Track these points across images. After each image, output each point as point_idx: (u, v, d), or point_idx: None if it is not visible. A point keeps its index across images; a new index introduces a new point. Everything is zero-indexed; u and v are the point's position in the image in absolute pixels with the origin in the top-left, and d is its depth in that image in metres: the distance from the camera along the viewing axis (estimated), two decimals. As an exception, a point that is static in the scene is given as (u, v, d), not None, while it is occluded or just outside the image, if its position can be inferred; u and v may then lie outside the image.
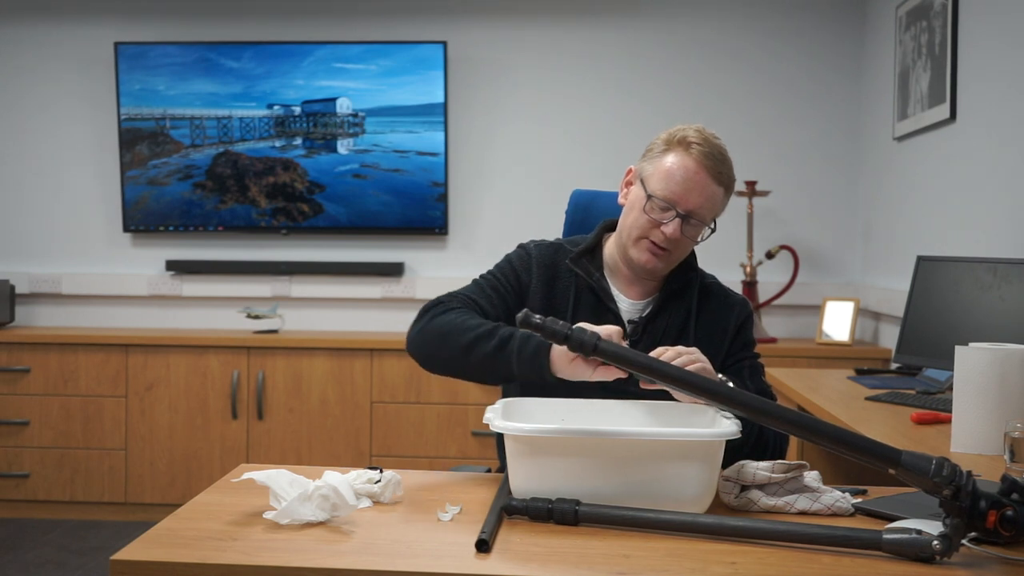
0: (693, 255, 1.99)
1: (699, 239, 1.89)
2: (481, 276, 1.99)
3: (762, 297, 4.41)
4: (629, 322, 1.92)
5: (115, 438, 4.25)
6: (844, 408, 2.64)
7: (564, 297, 1.93)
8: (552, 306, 1.92)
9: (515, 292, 1.94)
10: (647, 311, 1.93)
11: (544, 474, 1.48)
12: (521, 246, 2.01)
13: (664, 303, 1.93)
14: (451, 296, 1.91)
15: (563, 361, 1.68)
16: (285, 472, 1.50)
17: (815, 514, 1.53)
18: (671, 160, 1.85)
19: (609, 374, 1.65)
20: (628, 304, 1.94)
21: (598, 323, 1.83)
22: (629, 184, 1.93)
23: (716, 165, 1.84)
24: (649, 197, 1.85)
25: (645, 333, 1.91)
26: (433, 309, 1.87)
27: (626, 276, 1.95)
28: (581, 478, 1.48)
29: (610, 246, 1.98)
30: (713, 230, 1.90)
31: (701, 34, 4.52)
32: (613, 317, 1.91)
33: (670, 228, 1.84)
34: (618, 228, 1.95)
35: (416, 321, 1.88)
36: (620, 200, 1.95)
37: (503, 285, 1.94)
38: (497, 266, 1.99)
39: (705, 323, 1.93)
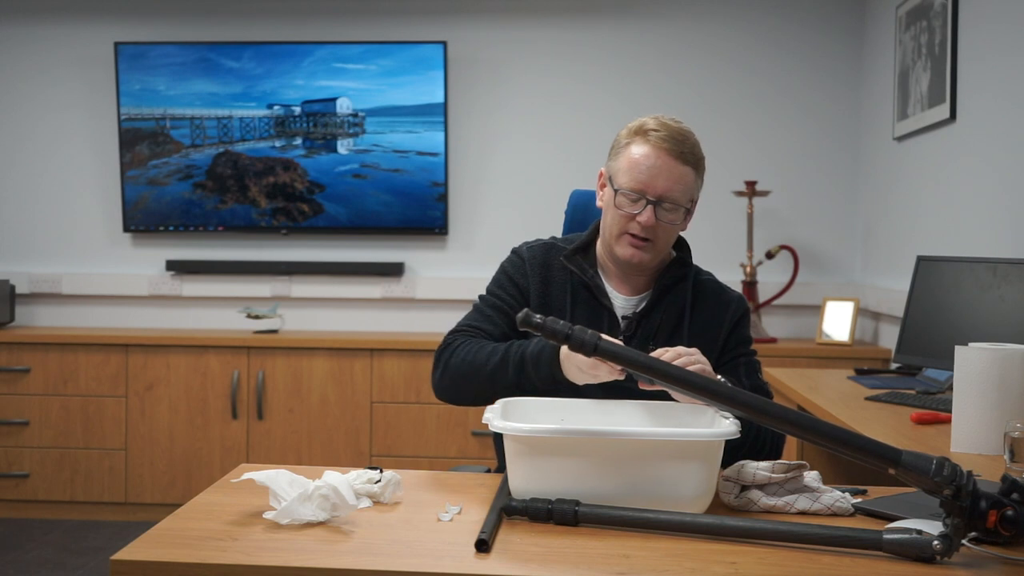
0: (687, 251, 2.00)
1: (679, 223, 1.89)
2: (480, 297, 2.02)
3: (762, 297, 4.41)
4: (623, 318, 1.93)
5: (115, 438, 4.25)
6: (844, 408, 2.64)
7: (561, 294, 1.95)
8: (549, 304, 1.94)
9: (516, 302, 1.96)
10: (641, 307, 1.94)
11: (544, 474, 1.48)
12: (514, 251, 2.04)
13: (658, 299, 1.94)
14: (456, 333, 1.96)
15: (574, 368, 1.72)
16: (285, 472, 1.50)
17: (815, 514, 1.53)
18: (632, 151, 1.87)
19: (616, 374, 1.67)
20: (622, 300, 1.95)
21: (593, 319, 1.85)
22: (603, 186, 1.95)
23: (677, 146, 1.85)
24: (617, 191, 1.87)
25: (639, 328, 1.92)
26: (444, 354, 1.92)
27: (617, 273, 1.96)
28: (581, 478, 1.48)
29: (600, 245, 1.99)
30: (689, 211, 1.90)
31: (701, 34, 4.52)
32: (607, 313, 1.92)
33: (644, 216, 1.85)
34: (600, 230, 1.97)
35: (434, 370, 1.94)
36: (598, 203, 1.97)
37: (503, 300, 1.97)
38: (494, 280, 2.02)
39: (699, 320, 1.94)
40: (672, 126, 1.87)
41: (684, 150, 1.86)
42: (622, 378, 1.67)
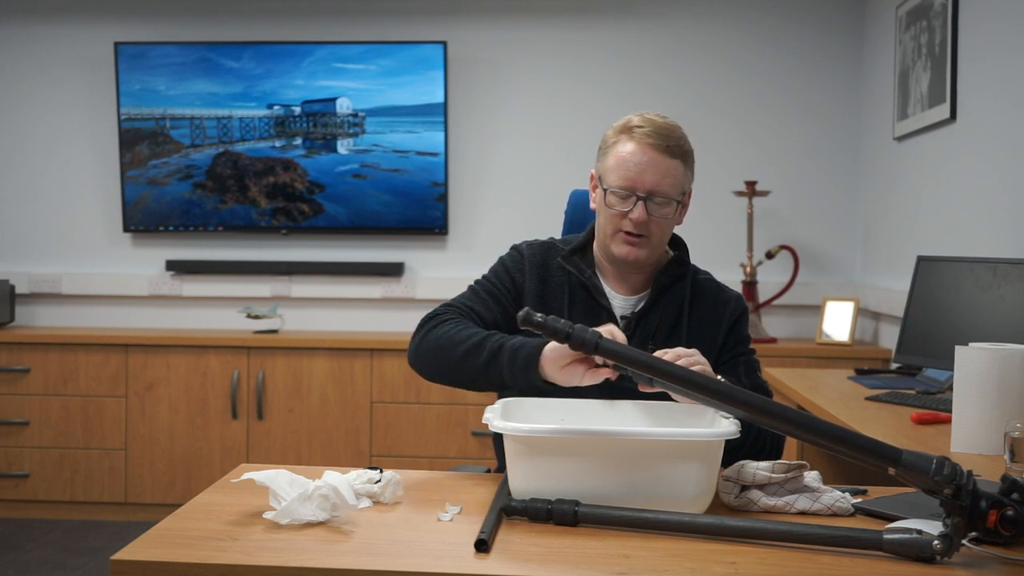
0: (685, 251, 2.00)
1: (671, 216, 1.89)
2: (476, 281, 2.01)
3: (762, 297, 4.41)
4: (622, 318, 1.93)
5: (115, 438, 4.25)
6: (844, 408, 2.64)
7: (559, 295, 1.94)
8: (547, 304, 1.93)
9: (511, 294, 1.95)
10: (639, 307, 1.94)
11: (543, 474, 1.48)
12: (514, 247, 2.03)
13: (656, 299, 1.94)
14: (446, 307, 1.93)
15: (554, 368, 1.69)
16: (285, 472, 1.50)
17: (815, 514, 1.53)
18: (619, 150, 1.88)
19: (598, 377, 1.65)
20: (620, 300, 1.95)
21: (592, 319, 1.84)
22: (595, 187, 1.95)
23: (662, 140, 1.85)
24: (606, 191, 1.88)
25: (638, 328, 1.92)
26: (429, 323, 1.90)
27: (615, 273, 1.96)
28: (580, 478, 1.48)
29: (596, 246, 1.99)
30: (681, 204, 1.89)
31: (701, 34, 4.52)
32: (606, 313, 1.92)
33: (635, 213, 1.85)
34: (596, 231, 1.97)
35: (414, 335, 1.91)
36: (591, 205, 1.97)
37: (498, 288, 1.96)
38: (491, 269, 2.01)
39: (698, 319, 1.94)
40: (657, 121, 1.87)
41: (670, 143, 1.86)
42: (612, 378, 1.67)
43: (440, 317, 1.89)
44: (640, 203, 1.85)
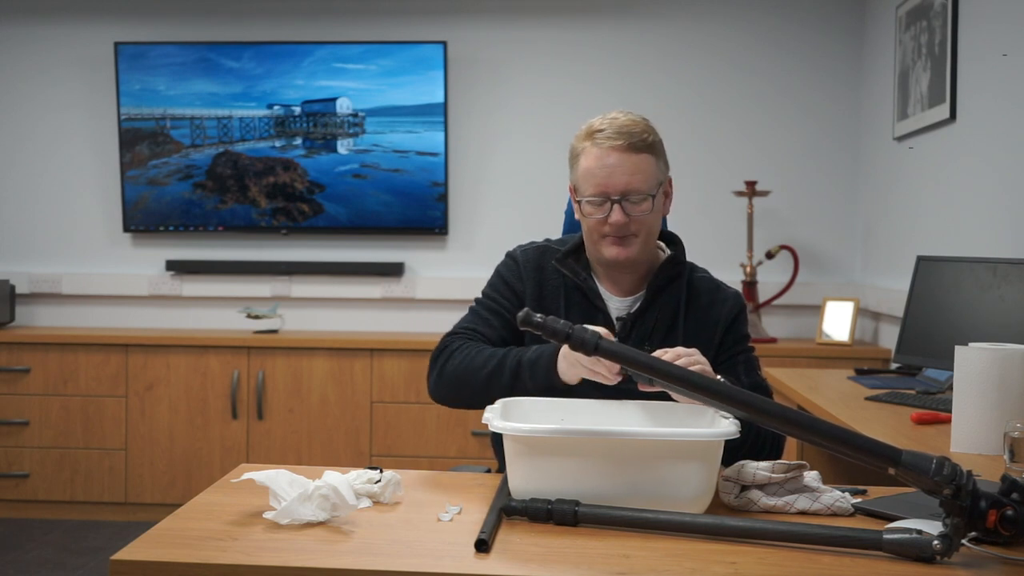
0: (681, 249, 1.99)
1: (652, 211, 1.87)
2: (476, 300, 2.02)
3: (762, 297, 4.41)
4: (618, 319, 1.93)
5: (115, 438, 4.25)
6: (844, 408, 2.64)
7: (555, 297, 1.95)
8: (544, 307, 1.94)
9: (512, 305, 1.96)
10: (635, 307, 1.94)
11: (543, 474, 1.48)
12: (508, 255, 2.03)
13: (652, 299, 1.93)
14: (453, 336, 1.96)
15: (576, 367, 1.73)
16: (285, 472, 1.50)
17: (815, 514, 1.53)
18: (585, 158, 1.88)
19: (615, 366, 1.66)
20: (616, 302, 1.95)
21: (588, 321, 1.85)
22: (576, 200, 1.94)
23: (625, 139, 1.85)
24: (581, 202, 1.89)
25: (634, 329, 1.92)
26: (440, 357, 1.92)
27: (609, 275, 1.96)
28: (580, 478, 1.48)
29: (588, 251, 1.99)
30: (658, 196, 1.88)
31: (701, 34, 4.52)
32: (602, 315, 1.92)
33: (613, 216, 1.86)
34: (584, 238, 1.97)
35: (430, 372, 1.94)
36: (576, 216, 1.97)
37: (498, 303, 1.97)
38: (489, 284, 2.02)
39: (695, 318, 1.93)
40: (619, 120, 1.87)
41: (633, 140, 1.85)
42: (617, 381, 1.67)
43: (450, 348, 1.92)
44: (616, 206, 1.85)
